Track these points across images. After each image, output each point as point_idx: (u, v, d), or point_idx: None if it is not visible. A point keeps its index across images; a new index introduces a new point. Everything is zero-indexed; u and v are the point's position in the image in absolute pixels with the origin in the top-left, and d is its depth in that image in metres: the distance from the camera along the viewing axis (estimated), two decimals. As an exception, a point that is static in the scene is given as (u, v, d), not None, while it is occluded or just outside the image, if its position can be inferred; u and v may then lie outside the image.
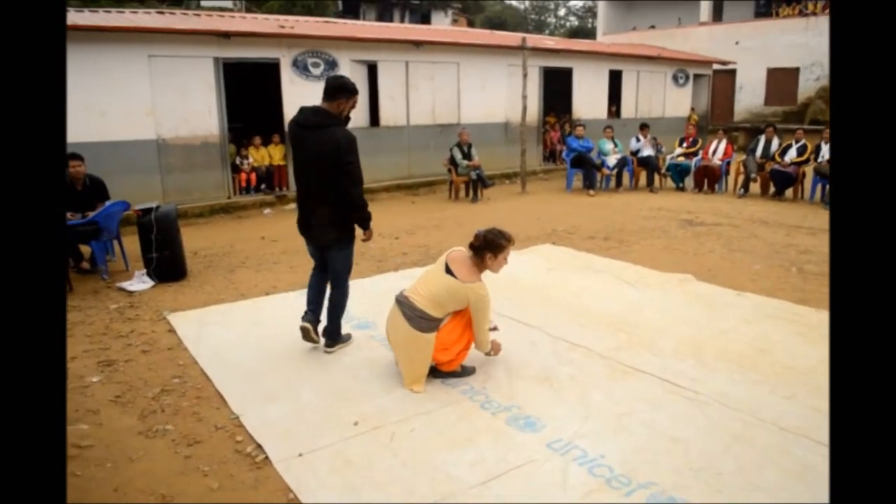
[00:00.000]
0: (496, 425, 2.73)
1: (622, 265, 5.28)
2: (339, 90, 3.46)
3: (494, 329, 3.58)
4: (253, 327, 3.98)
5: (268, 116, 10.43)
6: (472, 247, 3.23)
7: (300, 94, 9.78)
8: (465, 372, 3.38)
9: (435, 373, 3.31)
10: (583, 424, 2.68)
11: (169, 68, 8.69)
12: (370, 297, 4.38)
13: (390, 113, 10.78)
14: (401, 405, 2.95)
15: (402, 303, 3.19)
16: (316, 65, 9.98)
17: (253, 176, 9.84)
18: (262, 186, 9.94)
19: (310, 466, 2.48)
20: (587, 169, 10.49)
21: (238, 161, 9.83)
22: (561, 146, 13.38)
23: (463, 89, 11.60)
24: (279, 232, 7.38)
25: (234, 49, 9.17)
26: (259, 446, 2.74)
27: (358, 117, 10.41)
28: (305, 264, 5.56)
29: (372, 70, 10.60)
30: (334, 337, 3.65)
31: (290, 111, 9.76)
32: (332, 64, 10.08)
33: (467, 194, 10.07)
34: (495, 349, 3.39)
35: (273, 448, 2.65)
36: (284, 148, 9.98)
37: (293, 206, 9.46)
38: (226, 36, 9.01)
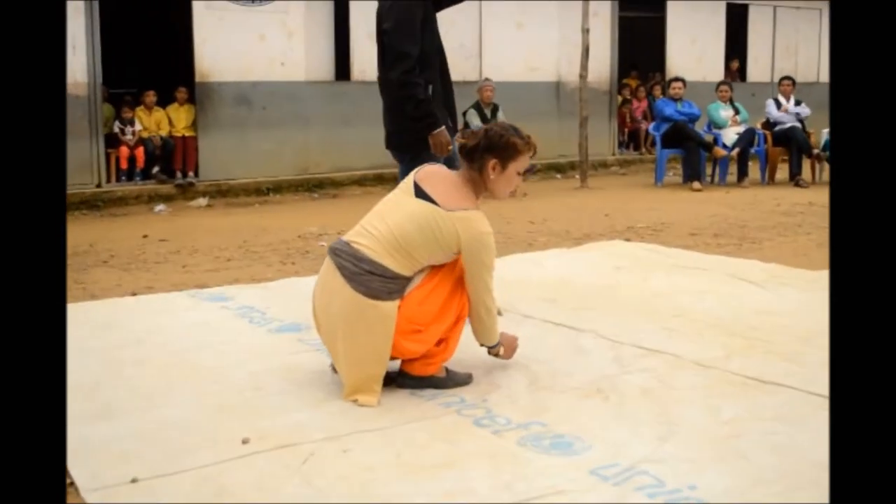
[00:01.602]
0: (500, 446, 2.64)
1: (744, 263, 5.41)
2: None
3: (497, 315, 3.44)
4: (97, 330, 3.96)
5: (167, 66, 10.07)
6: (464, 151, 3.06)
7: (223, 25, 9.33)
8: (452, 380, 3.12)
9: (401, 379, 3.09)
10: (659, 447, 2.60)
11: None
12: (305, 297, 4.26)
13: (368, 59, 9.95)
14: (329, 421, 2.82)
15: (341, 253, 2.97)
16: None
17: (140, 152, 9.31)
18: (155, 170, 9.43)
19: (147, 495, 2.33)
20: (689, 149, 9.86)
21: (117, 129, 9.28)
22: (647, 123, 12.55)
23: (487, 26, 10.90)
24: (177, 231, 7.21)
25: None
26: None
27: (316, 65, 10.02)
28: (206, 262, 5.67)
29: None
30: None
31: (204, 53, 9.32)
32: None
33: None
34: (507, 346, 3.26)
35: (86, 473, 2.44)
36: (195, 110, 9.53)
37: (203, 201, 9.16)
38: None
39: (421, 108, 3.84)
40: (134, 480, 2.35)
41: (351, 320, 2.89)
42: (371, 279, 2.89)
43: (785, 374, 3.20)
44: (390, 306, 2.90)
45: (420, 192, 2.99)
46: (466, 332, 3.14)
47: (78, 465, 2.45)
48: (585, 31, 10.03)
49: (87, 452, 2.54)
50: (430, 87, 3.92)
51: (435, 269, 3.02)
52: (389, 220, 2.96)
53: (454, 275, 3.04)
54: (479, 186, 3.06)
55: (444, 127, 3.87)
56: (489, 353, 3.17)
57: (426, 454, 2.53)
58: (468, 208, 2.97)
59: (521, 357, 3.37)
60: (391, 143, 4.15)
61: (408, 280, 2.95)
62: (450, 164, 3.59)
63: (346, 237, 3.02)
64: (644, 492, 2.29)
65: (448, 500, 2.26)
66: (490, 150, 3.00)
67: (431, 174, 3.08)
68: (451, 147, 3.86)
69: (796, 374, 3.18)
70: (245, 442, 2.58)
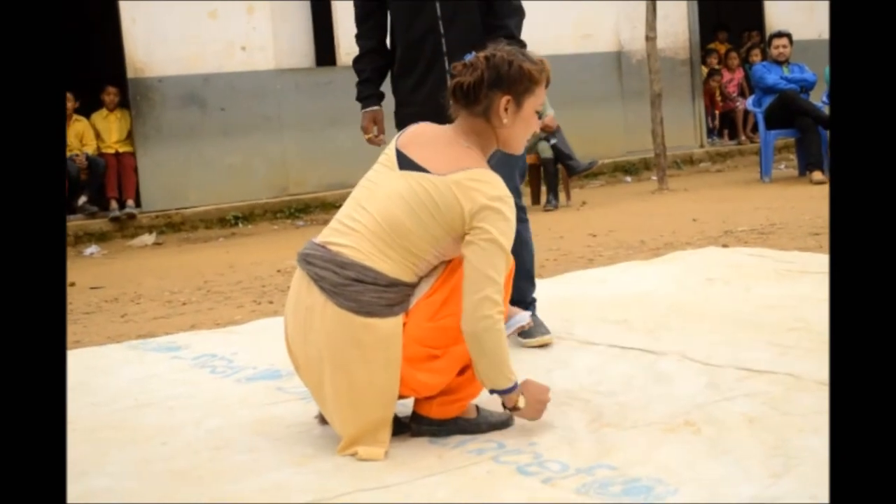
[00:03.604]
0: (554, 497, 2.65)
1: None
2: None
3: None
4: None
5: (90, 60, 10.41)
6: (460, 92, 3.06)
7: (162, 3, 9.52)
8: (486, 422, 3.15)
9: (416, 426, 3.13)
10: (773, 484, 2.62)
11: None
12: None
13: None
14: (319, 480, 2.85)
15: (315, 260, 2.99)
16: None
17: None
18: (82, 200, 9.70)
19: None
20: (804, 128, 9.98)
21: None
22: (745, 101, 12.70)
23: None
24: (114, 276, 7.39)
25: None
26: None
27: (289, 48, 10.29)
28: (153, 309, 5.85)
29: None
30: None
31: (138, 39, 9.57)
32: None
33: (535, 193, 10.04)
34: (532, 397, 3.11)
35: None
36: (129, 117, 9.81)
37: (150, 238, 9.41)
38: None
39: (355, 68, 4.17)
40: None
41: (339, 347, 2.90)
42: (361, 290, 2.89)
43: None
44: (391, 324, 2.90)
45: (405, 162, 3.01)
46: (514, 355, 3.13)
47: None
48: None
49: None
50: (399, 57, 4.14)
51: (448, 268, 3.03)
52: (371, 207, 2.98)
53: None
54: (486, 138, 3.06)
55: (374, 107, 4.09)
56: (504, 406, 3.05)
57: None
58: (469, 167, 2.95)
59: (580, 390, 3.40)
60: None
61: (411, 287, 2.97)
62: None
63: (318, 238, 3.03)
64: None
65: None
66: (498, 84, 2.99)
67: (418, 135, 3.11)
68: (374, 142, 4.15)
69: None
70: (208, 511, 2.60)
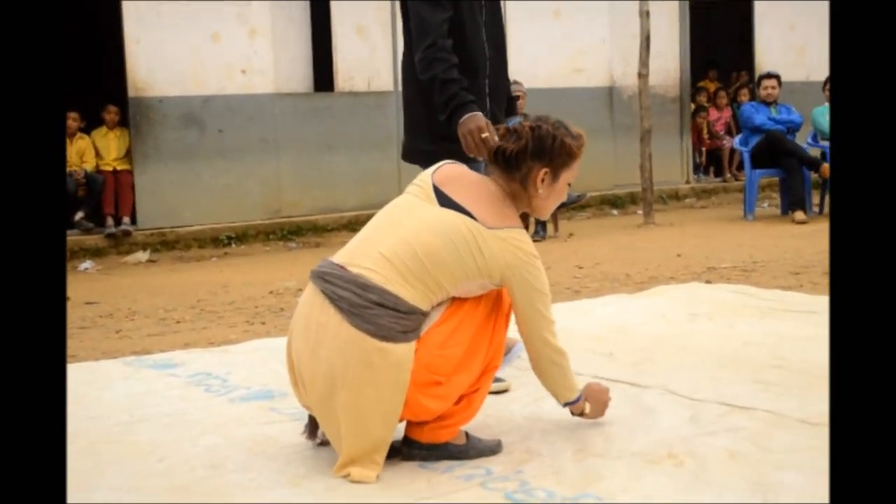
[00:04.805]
0: None
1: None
2: None
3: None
4: None
5: (90, 79, 10.41)
6: (501, 157, 3.14)
7: (162, 22, 9.52)
8: (475, 448, 3.15)
9: (407, 449, 3.13)
10: None
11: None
12: (278, 359, 4.38)
13: (356, 62, 10.51)
14: (315, 501, 2.86)
15: (334, 279, 2.97)
16: None
17: None
18: (78, 216, 9.65)
19: None
20: (789, 168, 10.02)
21: None
22: (731, 139, 12.78)
23: (515, 16, 11.08)
24: (109, 292, 7.35)
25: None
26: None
27: (289, 72, 10.26)
28: (147, 327, 5.85)
29: None
30: None
31: (139, 60, 9.53)
32: None
33: (524, 223, 9.77)
34: (595, 399, 3.36)
35: None
36: (129, 135, 9.77)
37: (144, 255, 9.36)
38: None
39: (446, 90, 3.75)
40: None
41: (351, 366, 2.88)
42: (380, 314, 2.88)
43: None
44: (405, 350, 2.90)
45: (445, 200, 3.03)
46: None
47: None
48: (645, 15, 10.24)
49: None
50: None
51: (457, 302, 3.06)
52: (404, 234, 2.98)
53: (481, 308, 3.08)
54: (519, 200, 3.14)
55: (477, 112, 3.70)
56: (572, 413, 3.27)
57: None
58: (514, 226, 3.04)
59: (566, 420, 3.40)
60: (409, 153, 4.16)
61: (424, 316, 2.97)
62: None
63: (337, 259, 3.03)
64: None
65: None
66: (540, 157, 3.07)
67: (456, 178, 3.12)
68: (490, 140, 3.62)
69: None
70: (199, 528, 2.60)
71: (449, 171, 3.15)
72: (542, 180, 3.07)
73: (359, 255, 3.00)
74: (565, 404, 3.23)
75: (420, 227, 2.99)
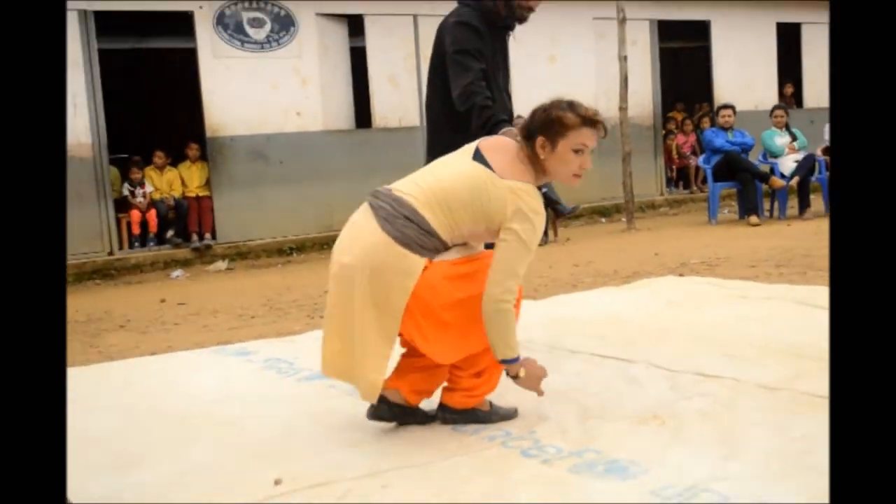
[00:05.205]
0: (551, 475, 2.67)
1: (811, 289, 5.43)
2: None
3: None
4: (113, 390, 4.09)
5: (176, 123, 10.29)
6: (522, 131, 3.07)
7: (232, 75, 9.47)
8: (497, 414, 3.14)
9: (442, 413, 3.13)
10: (723, 466, 2.65)
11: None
12: None
13: (389, 104, 10.29)
14: (366, 459, 2.87)
15: (380, 195, 2.95)
16: (258, 23, 9.64)
17: (152, 215, 9.53)
18: (170, 233, 9.62)
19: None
20: (744, 181, 9.92)
21: (126, 192, 9.51)
22: (696, 159, 12.65)
23: (518, 61, 10.75)
24: (196, 294, 7.35)
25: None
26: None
27: (334, 113, 10.19)
28: (228, 322, 5.79)
29: (355, 29, 10.28)
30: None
31: (214, 106, 9.47)
32: (284, 21, 9.75)
33: None
34: (531, 370, 3.04)
35: None
36: (208, 167, 9.72)
37: (223, 265, 9.29)
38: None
39: (484, 113, 3.81)
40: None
41: (375, 263, 2.84)
42: (407, 225, 2.85)
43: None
44: (417, 262, 2.84)
45: (479, 158, 2.97)
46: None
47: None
48: (623, 59, 10.16)
49: (115, 500, 2.61)
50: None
51: (475, 259, 2.99)
52: (440, 175, 2.96)
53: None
54: (536, 165, 2.99)
55: (511, 127, 3.65)
56: (507, 373, 3.01)
57: (469, 487, 2.56)
58: (524, 181, 2.92)
59: (569, 390, 3.40)
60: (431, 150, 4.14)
61: (441, 243, 2.90)
62: None
63: (390, 185, 3.02)
64: (711, 510, 2.25)
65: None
66: (539, 129, 2.97)
67: (497, 145, 3.05)
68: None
69: (874, 392, 3.14)
70: (277, 483, 2.61)
71: (493, 140, 3.11)
72: (543, 147, 2.93)
73: (403, 184, 2.99)
74: (502, 360, 2.94)
75: (452, 173, 2.96)
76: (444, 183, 2.91)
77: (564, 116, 2.93)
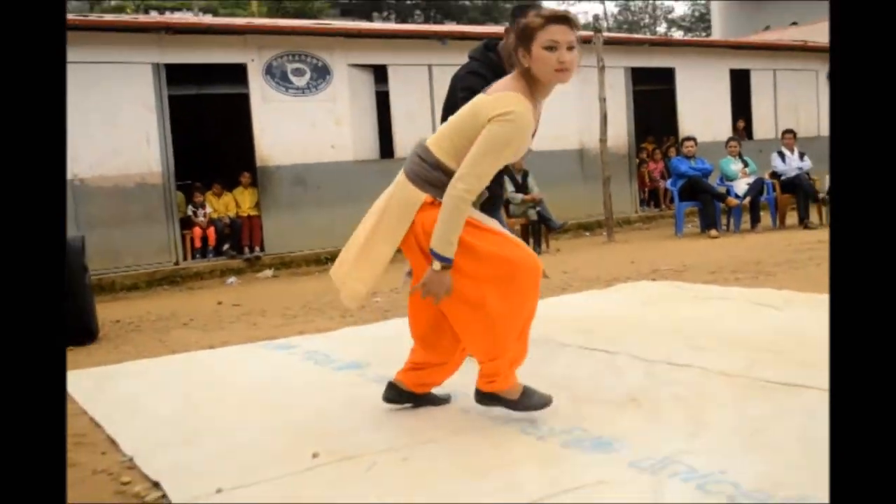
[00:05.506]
0: (545, 449, 2.69)
1: (761, 291, 5.45)
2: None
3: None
4: (178, 377, 4.14)
5: (231, 154, 10.26)
6: (508, 59, 2.95)
7: (278, 115, 9.49)
8: (522, 404, 2.94)
9: (477, 396, 2.97)
10: (691, 442, 2.67)
11: (89, 78, 8.21)
12: (363, 341, 4.58)
13: (408, 138, 10.20)
14: (390, 437, 2.90)
15: (415, 149, 2.81)
16: (299, 72, 9.68)
17: (211, 231, 9.61)
18: (225, 247, 9.66)
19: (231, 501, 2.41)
20: (705, 201, 9.91)
21: (190, 212, 9.61)
22: (665, 182, 12.62)
23: None
24: (247, 297, 7.38)
25: (181, 51, 8.93)
26: (155, 484, 2.57)
27: (362, 146, 10.21)
28: (274, 320, 5.77)
29: (380, 77, 10.32)
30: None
31: (263, 141, 9.53)
32: (321, 71, 9.78)
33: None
34: (441, 280, 2.62)
35: (175, 485, 2.54)
36: (258, 192, 9.75)
37: (270, 272, 9.31)
38: (169, 30, 8.76)
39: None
40: (219, 491, 2.44)
41: (390, 195, 2.77)
42: (418, 162, 2.73)
43: (807, 377, 3.19)
44: (416, 195, 2.66)
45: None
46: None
47: (170, 480, 2.55)
48: (602, 101, 10.22)
49: (177, 471, 2.64)
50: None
51: (481, 227, 2.74)
52: (452, 117, 2.77)
53: (503, 271, 2.71)
54: (530, 79, 2.68)
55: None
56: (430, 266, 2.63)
57: (478, 459, 2.57)
58: (506, 90, 2.65)
59: (561, 378, 3.41)
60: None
61: (447, 176, 2.64)
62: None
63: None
64: (678, 477, 2.32)
65: (501, 494, 2.28)
66: (516, 44, 2.71)
67: (500, 82, 2.76)
68: None
69: (818, 378, 3.15)
70: (315, 456, 2.64)
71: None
72: (524, 57, 2.63)
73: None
74: (432, 251, 2.58)
75: (460, 111, 2.75)
76: (453, 119, 2.74)
77: (529, 21, 2.65)
